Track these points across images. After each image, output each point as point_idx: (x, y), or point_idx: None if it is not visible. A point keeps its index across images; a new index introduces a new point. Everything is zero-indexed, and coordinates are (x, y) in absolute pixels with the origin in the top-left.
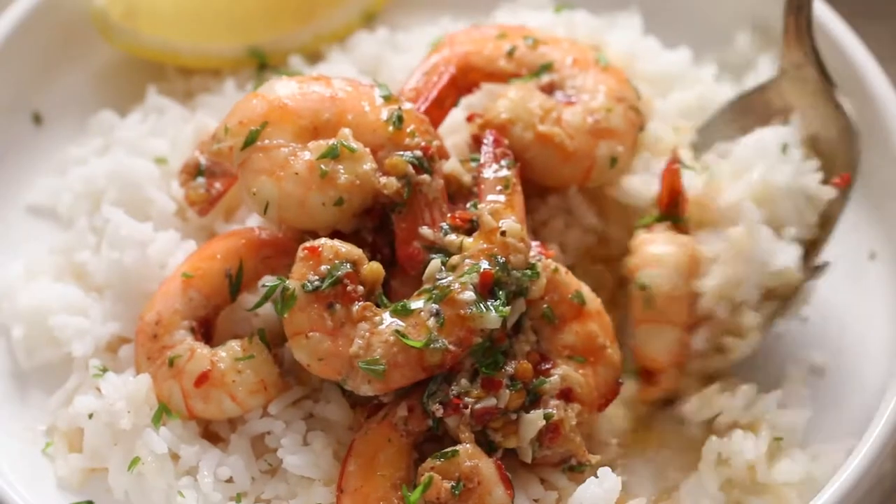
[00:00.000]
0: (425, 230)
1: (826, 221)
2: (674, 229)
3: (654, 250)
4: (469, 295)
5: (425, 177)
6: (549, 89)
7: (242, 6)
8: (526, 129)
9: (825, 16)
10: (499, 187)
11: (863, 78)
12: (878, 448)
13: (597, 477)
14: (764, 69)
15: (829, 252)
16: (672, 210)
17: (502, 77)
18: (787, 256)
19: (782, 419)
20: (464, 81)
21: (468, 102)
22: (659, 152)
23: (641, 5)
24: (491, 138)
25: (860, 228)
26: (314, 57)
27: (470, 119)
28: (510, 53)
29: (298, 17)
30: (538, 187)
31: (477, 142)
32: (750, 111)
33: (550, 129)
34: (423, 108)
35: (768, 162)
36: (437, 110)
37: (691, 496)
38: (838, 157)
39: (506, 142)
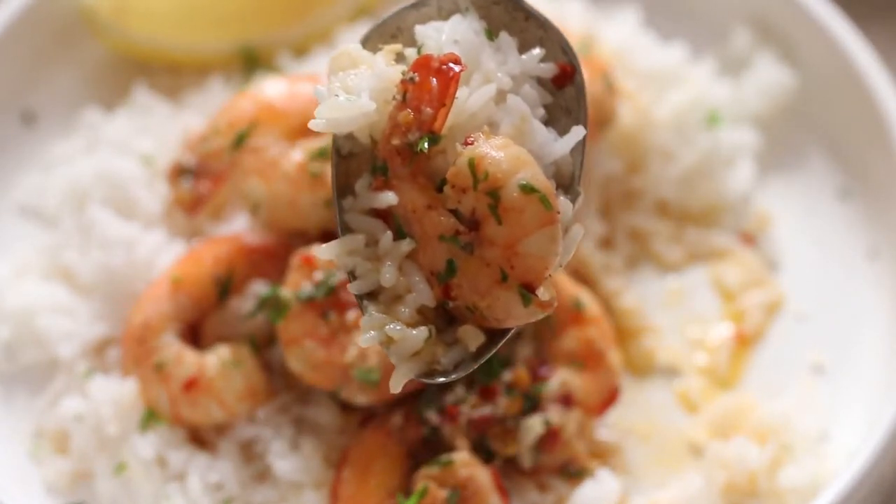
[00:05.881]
0: None
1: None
2: None
3: (502, 150)
4: None
5: None
6: None
7: (234, 3)
8: None
9: (827, 13)
10: None
11: (863, 77)
12: (878, 450)
13: (595, 479)
14: (763, 66)
15: (829, 252)
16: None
17: None
18: (560, 146)
19: (793, 428)
20: None
21: None
22: None
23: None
24: None
25: (860, 228)
26: (302, 51)
27: None
28: None
29: (291, 13)
30: None
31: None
32: None
33: None
34: None
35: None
36: None
37: (691, 499)
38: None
39: None
